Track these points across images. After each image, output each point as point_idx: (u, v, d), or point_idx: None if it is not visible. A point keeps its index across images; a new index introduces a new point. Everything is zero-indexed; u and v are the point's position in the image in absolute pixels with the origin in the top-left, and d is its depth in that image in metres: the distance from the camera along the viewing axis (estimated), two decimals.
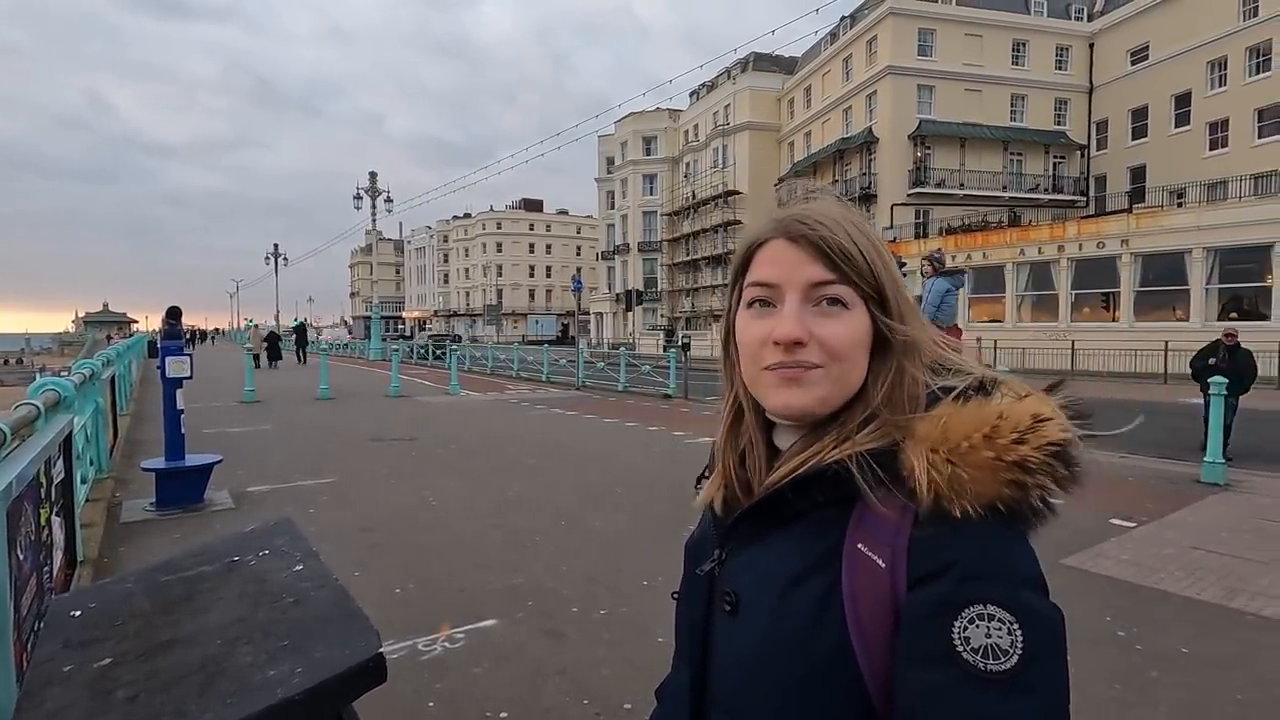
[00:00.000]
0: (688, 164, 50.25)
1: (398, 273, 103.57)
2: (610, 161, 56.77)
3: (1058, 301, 25.78)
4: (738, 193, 44.07)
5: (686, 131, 51.36)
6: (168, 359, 5.48)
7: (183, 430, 5.44)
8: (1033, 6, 35.40)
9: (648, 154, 53.21)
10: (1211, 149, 30.28)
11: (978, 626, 0.50)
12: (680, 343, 14.34)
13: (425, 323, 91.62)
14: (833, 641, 0.56)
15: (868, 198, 34.54)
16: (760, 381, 0.64)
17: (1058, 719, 0.50)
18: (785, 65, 45.78)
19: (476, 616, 3.32)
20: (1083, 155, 35.75)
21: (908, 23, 33.36)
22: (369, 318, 34.74)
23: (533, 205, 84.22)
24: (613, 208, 56.52)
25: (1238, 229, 21.00)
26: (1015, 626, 0.50)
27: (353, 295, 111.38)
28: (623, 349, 17.32)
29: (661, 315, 49.93)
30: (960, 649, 0.50)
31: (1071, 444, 0.55)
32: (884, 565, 0.55)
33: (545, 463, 7.29)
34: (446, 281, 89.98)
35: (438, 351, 26.71)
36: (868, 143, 34.43)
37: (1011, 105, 35.04)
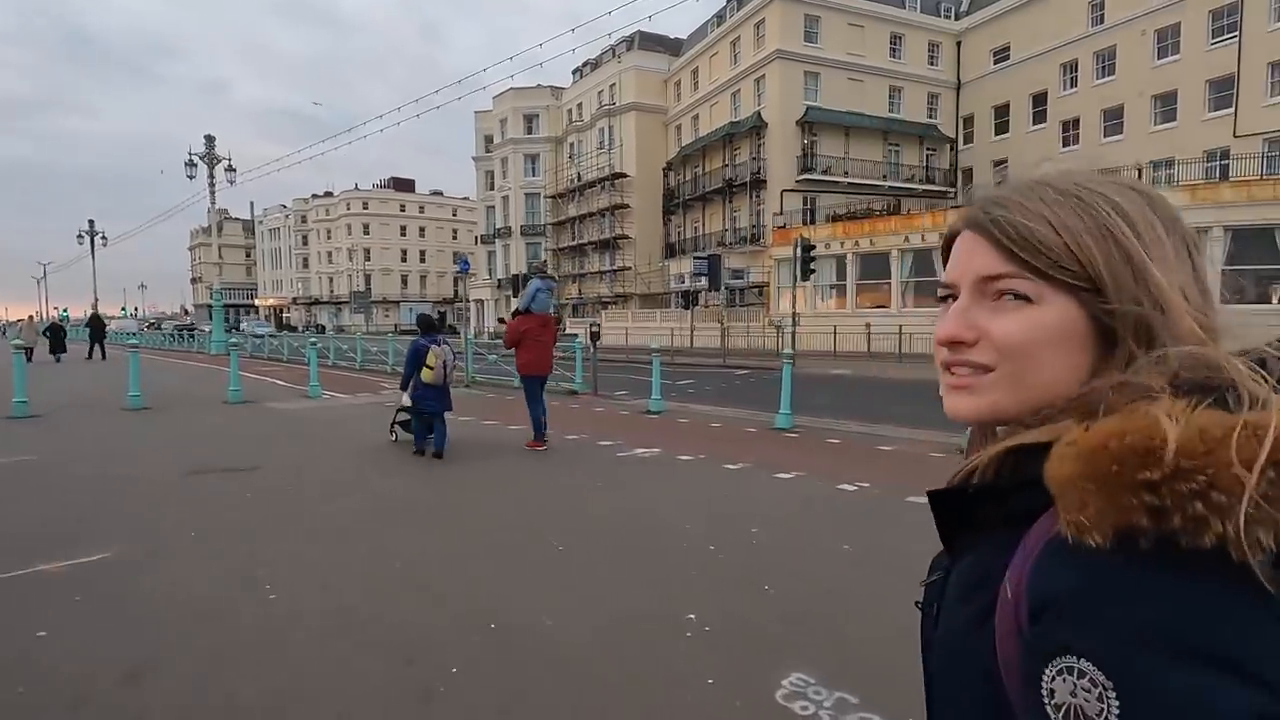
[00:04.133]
0: (572, 144, 48.20)
1: (248, 256, 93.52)
2: (489, 140, 53.51)
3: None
4: (625, 175, 42.73)
5: (570, 110, 49.24)
6: None
7: None
8: (908, 2, 36.50)
9: (529, 133, 50.56)
10: (1064, 145, 32.53)
11: (1064, 681, 0.42)
12: (590, 330, 12.62)
13: (283, 311, 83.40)
14: (986, 655, 0.51)
15: (758, 183, 34.32)
16: (941, 383, 0.60)
17: None
18: (671, 46, 44.84)
19: None
20: (952, 148, 37.50)
21: (795, 8, 33.25)
22: (229, 305, 30.11)
23: (403, 185, 78.60)
24: (493, 188, 53.41)
25: None
26: (1110, 693, 0.40)
27: (194, 281, 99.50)
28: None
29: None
30: (1046, 702, 0.43)
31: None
32: (1010, 597, 0.48)
33: (439, 497, 5.42)
34: (306, 266, 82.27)
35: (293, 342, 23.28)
36: (757, 127, 34.13)
37: (890, 97, 36.03)
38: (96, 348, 24.50)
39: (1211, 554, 0.40)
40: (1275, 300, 21.81)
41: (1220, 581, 0.40)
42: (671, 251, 41.92)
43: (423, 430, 7.15)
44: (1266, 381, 0.46)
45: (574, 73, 50.47)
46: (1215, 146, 26.73)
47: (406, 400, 7.21)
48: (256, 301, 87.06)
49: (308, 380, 13.57)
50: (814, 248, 18.75)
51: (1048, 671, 0.43)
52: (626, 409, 10.91)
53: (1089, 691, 0.41)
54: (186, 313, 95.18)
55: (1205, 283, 0.54)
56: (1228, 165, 25.31)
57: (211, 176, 26.69)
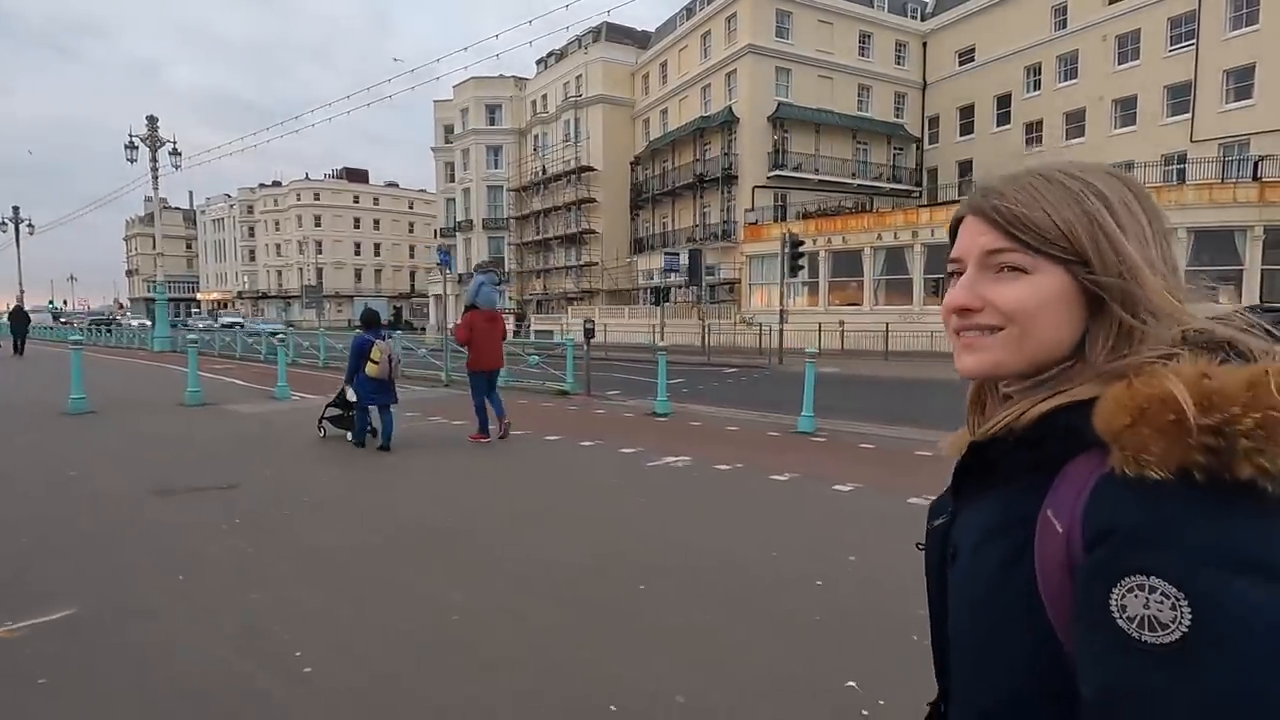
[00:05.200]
0: (537, 136, 47.05)
1: (189, 247, 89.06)
2: (449, 130, 51.81)
3: (911, 285, 26.59)
4: (592, 169, 41.86)
5: (534, 101, 48.04)
6: None
7: None
8: (876, 1, 36.63)
9: (492, 123, 49.14)
10: (1028, 147, 33.11)
11: (1136, 597, 0.49)
12: (584, 327, 11.91)
13: (226, 304, 79.70)
14: (1021, 595, 0.58)
15: (730, 179, 33.96)
16: (952, 346, 0.68)
17: (1226, 706, 0.46)
18: (639, 39, 44.12)
19: None
20: (918, 148, 37.86)
21: (767, 2, 32.96)
22: (152, 299, 28.20)
23: (356, 175, 75.83)
24: (453, 180, 51.72)
25: None
26: (1182, 601, 0.48)
27: (130, 273, 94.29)
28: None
29: (510, 298, 46.49)
30: (1117, 617, 0.50)
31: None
32: (1061, 531, 0.56)
33: (466, 524, 4.70)
34: (253, 258, 78.70)
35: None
36: (728, 122, 33.73)
37: (859, 95, 36.12)
38: (19, 341, 22.66)
39: (1249, 485, 0.48)
40: (1223, 300, 22.57)
41: (1263, 505, 0.48)
42: (639, 247, 41.29)
43: (364, 423, 7.28)
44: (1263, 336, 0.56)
45: (538, 63, 49.29)
46: (1172, 150, 27.50)
47: (351, 395, 7.35)
48: (199, 295, 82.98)
49: (268, 379, 12.50)
50: (803, 243, 18.39)
51: (1116, 590, 0.50)
52: (630, 411, 10.26)
53: (1162, 603, 0.48)
54: (121, 306, 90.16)
55: (1174, 259, 0.64)
56: (1184, 169, 26.06)
57: (154, 160, 24.86)
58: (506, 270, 47.65)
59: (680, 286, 35.69)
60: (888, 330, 20.84)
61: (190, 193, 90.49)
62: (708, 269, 34.17)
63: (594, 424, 8.94)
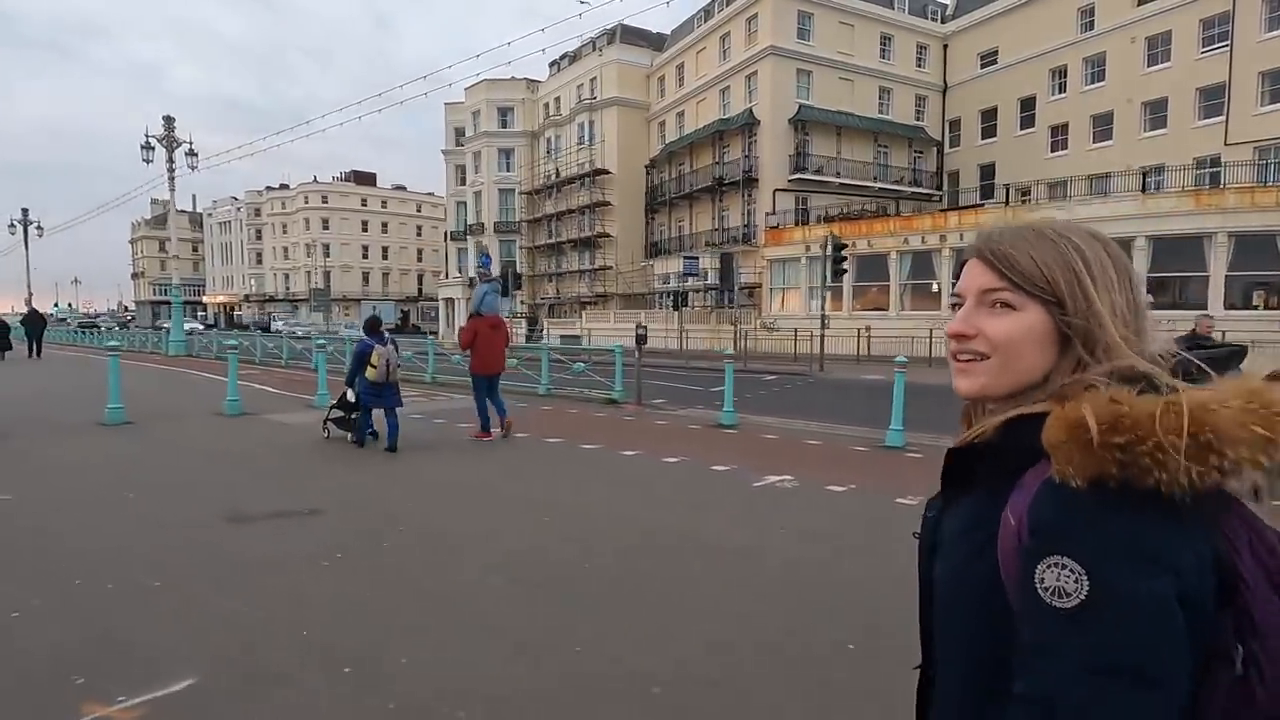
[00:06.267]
0: (549, 139, 46.61)
1: (195, 250, 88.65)
2: (460, 133, 51.39)
3: (940, 291, 26.05)
4: (606, 172, 41.42)
5: (547, 104, 47.65)
6: None
7: None
8: (896, 2, 36.21)
9: (504, 126, 48.71)
10: (1053, 151, 32.65)
11: (1051, 571, 0.64)
12: (636, 333, 11.41)
13: (233, 308, 79.33)
14: (986, 578, 0.71)
15: (750, 181, 33.50)
16: (951, 369, 0.80)
17: (1109, 655, 0.61)
18: (654, 41, 43.71)
19: None
20: (938, 151, 37.39)
21: (788, 4, 32.54)
22: (167, 302, 27.71)
23: (364, 178, 75.45)
24: (463, 183, 51.28)
25: (1104, 223, 22.01)
26: (1083, 577, 0.62)
27: (135, 276, 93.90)
28: (545, 341, 14.09)
29: (522, 302, 46.00)
30: (1038, 585, 0.64)
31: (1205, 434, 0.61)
32: (1014, 525, 0.69)
33: (621, 560, 4.17)
34: (260, 261, 78.33)
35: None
36: (748, 125, 33.28)
37: (879, 98, 35.68)
38: (35, 345, 22.21)
39: (1151, 492, 0.61)
40: (1259, 305, 22.06)
41: (1155, 509, 0.62)
42: (655, 251, 40.82)
43: (366, 424, 7.61)
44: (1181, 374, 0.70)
45: (551, 65, 48.87)
46: (1205, 154, 26.98)
47: (351, 396, 7.71)
48: (205, 298, 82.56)
49: (297, 385, 12.01)
50: (845, 245, 17.88)
51: (1039, 567, 0.64)
52: (693, 422, 9.73)
53: (1068, 578, 0.63)
54: (126, 309, 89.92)
55: (1140, 304, 0.76)
56: (1218, 173, 25.53)
57: (171, 161, 24.38)
58: (519, 273, 47.18)
59: (700, 291, 35.24)
60: (930, 336, 20.26)
61: (194, 196, 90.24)
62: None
63: (667, 438, 8.42)
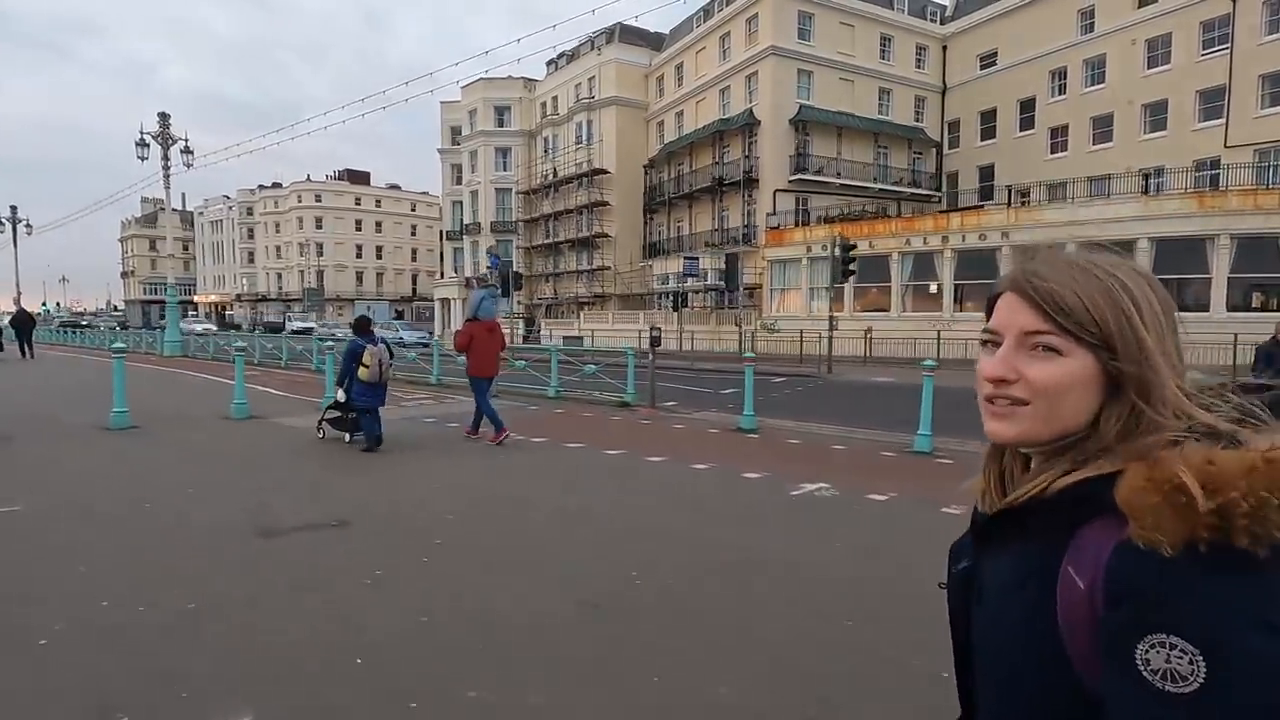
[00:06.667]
0: (547, 138, 46.36)
1: (186, 249, 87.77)
2: (456, 131, 51.05)
3: (941, 292, 26.00)
4: (605, 172, 41.22)
5: (544, 103, 47.40)
6: None
7: None
8: (895, 3, 36.18)
9: (500, 125, 48.43)
10: (1052, 152, 32.69)
11: (1158, 652, 0.57)
12: (650, 334, 11.24)
13: (225, 308, 78.66)
14: (1044, 638, 0.66)
15: (750, 182, 33.38)
16: (982, 409, 0.75)
17: None
18: (652, 40, 43.54)
19: None
20: (937, 152, 37.39)
21: (788, 4, 32.45)
22: (159, 301, 27.29)
23: (358, 177, 74.91)
24: (460, 183, 50.94)
25: (1107, 224, 22.00)
26: (1199, 657, 0.56)
27: (125, 275, 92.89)
28: (553, 344, 13.91)
29: (519, 302, 45.72)
30: (1142, 669, 0.58)
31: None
32: (1083, 587, 0.63)
33: (681, 578, 3.99)
34: (252, 260, 77.61)
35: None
36: (749, 125, 33.16)
37: (879, 99, 35.63)
38: (25, 346, 21.83)
39: (1245, 553, 0.56)
40: (1257, 306, 22.09)
41: (1259, 569, 0.57)
42: (653, 251, 40.65)
43: (372, 426, 7.50)
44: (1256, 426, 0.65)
45: (548, 64, 48.62)
46: (1205, 156, 27.05)
47: (341, 396, 7.63)
48: (196, 298, 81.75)
49: (300, 387, 11.77)
50: (854, 246, 17.76)
51: (1141, 646, 0.58)
52: (712, 425, 9.56)
53: (1181, 658, 0.56)
54: (116, 308, 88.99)
55: (1180, 349, 0.71)
56: (1218, 175, 25.58)
57: (166, 158, 24.00)
58: (515, 273, 46.85)
59: (700, 291, 35.07)
60: (938, 338, 20.17)
61: (184, 195, 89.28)
62: (724, 274, 33.57)
63: (689, 442, 8.24)
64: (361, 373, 7.40)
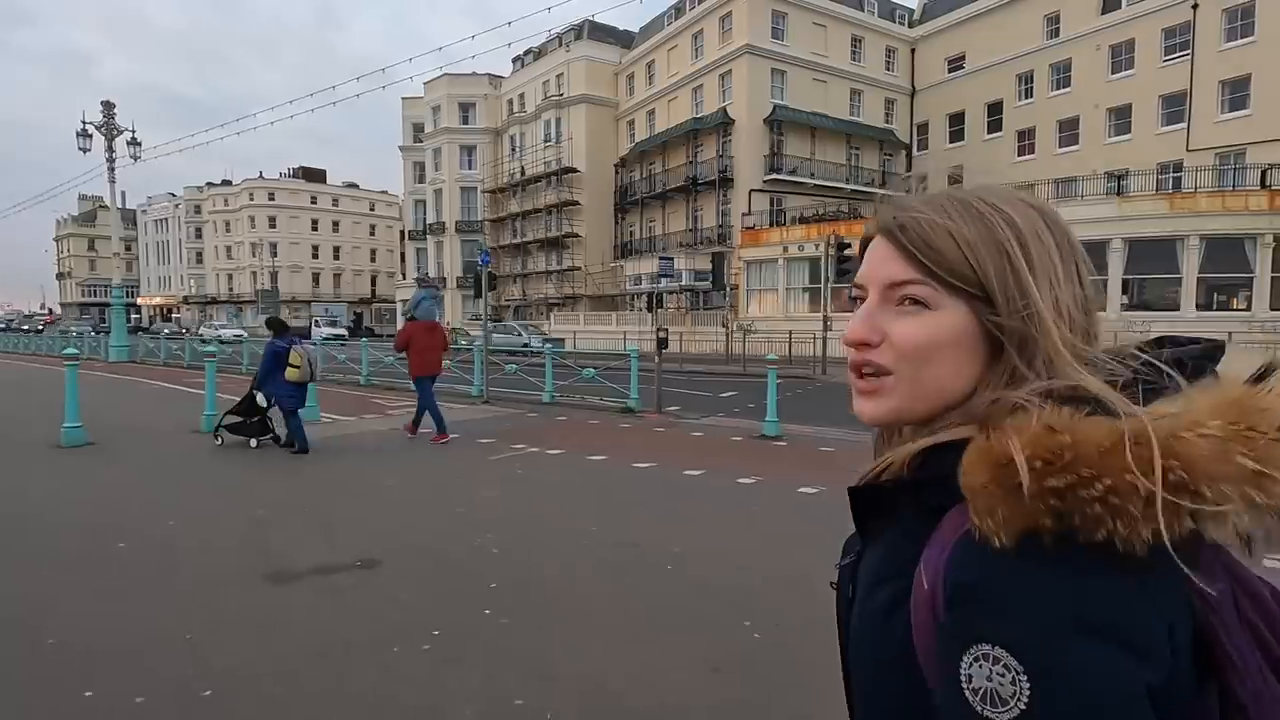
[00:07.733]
0: (514, 136, 45.34)
1: (129, 249, 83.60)
2: (419, 129, 49.60)
3: None
4: (574, 170, 40.44)
5: (511, 100, 46.36)
6: None
7: None
8: (866, 5, 36.36)
9: (465, 122, 47.24)
10: (1020, 155, 33.22)
11: (980, 667, 0.47)
12: (658, 336, 10.61)
13: (171, 311, 75.08)
14: (899, 641, 0.55)
15: (725, 181, 33.05)
16: (851, 386, 0.63)
17: None
18: (622, 38, 42.95)
19: None
20: (907, 154, 37.71)
21: (762, 2, 32.23)
22: (101, 304, 25.52)
23: (314, 175, 72.38)
24: (423, 181, 49.50)
25: (1081, 225, 22.13)
26: (1021, 676, 0.45)
27: (61, 277, 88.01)
28: (547, 346, 13.16)
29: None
30: (964, 685, 0.48)
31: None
32: (927, 587, 0.52)
33: (798, 635, 3.36)
34: (200, 261, 74.32)
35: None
36: (723, 124, 32.83)
37: (851, 100, 35.74)
38: None
39: (1100, 547, 0.45)
40: (1233, 305, 22.70)
41: (1107, 570, 0.46)
42: (625, 251, 40.03)
43: (299, 427, 7.35)
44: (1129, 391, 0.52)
45: (514, 61, 47.59)
46: (1168, 159, 27.75)
47: (262, 400, 7.54)
48: (140, 300, 77.84)
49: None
50: (849, 245, 17.45)
51: (965, 658, 0.48)
52: (733, 433, 8.98)
53: (1003, 676, 0.46)
54: (51, 311, 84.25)
55: (1089, 295, 0.59)
56: (1180, 178, 26.25)
57: (110, 150, 22.40)
58: (491, 273, 45.68)
59: (675, 292, 34.58)
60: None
61: (123, 192, 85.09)
62: (700, 275, 33.17)
63: (717, 452, 7.64)
64: (290, 373, 7.29)
